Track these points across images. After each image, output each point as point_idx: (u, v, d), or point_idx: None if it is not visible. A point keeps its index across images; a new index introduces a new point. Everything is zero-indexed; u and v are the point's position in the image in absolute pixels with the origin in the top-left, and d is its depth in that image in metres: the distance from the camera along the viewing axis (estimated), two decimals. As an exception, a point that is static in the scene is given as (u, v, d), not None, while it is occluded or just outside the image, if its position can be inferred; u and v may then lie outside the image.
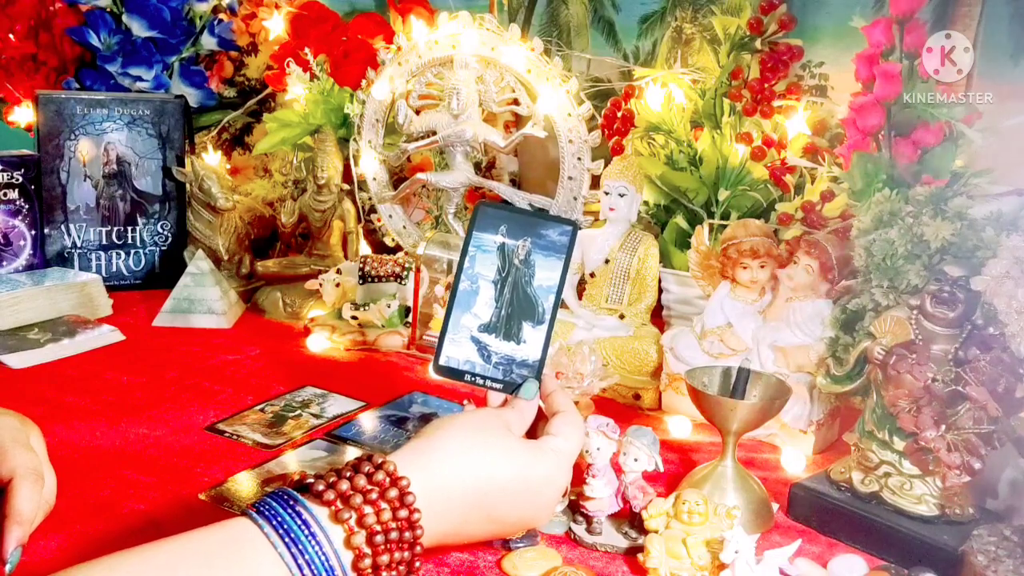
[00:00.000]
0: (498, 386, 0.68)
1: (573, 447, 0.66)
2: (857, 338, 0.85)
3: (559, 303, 0.68)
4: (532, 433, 0.68)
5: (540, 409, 0.69)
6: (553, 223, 0.69)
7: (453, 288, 0.70)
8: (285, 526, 0.52)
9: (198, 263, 1.34)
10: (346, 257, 1.47)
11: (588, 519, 0.76)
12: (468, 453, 0.61)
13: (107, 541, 0.72)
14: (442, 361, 0.69)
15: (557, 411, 0.68)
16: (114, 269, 1.50)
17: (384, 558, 0.54)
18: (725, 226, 1.08)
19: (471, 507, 0.61)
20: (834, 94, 1.26)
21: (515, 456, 0.63)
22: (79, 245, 1.48)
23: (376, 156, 1.34)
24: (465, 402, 0.72)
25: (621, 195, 1.14)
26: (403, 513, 0.55)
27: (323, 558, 0.52)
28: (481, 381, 0.68)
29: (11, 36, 1.65)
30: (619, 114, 1.30)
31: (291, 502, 0.54)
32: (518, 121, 1.47)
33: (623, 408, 1.08)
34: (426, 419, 1.00)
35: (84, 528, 0.74)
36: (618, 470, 0.76)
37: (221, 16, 1.74)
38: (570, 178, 1.17)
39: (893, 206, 0.83)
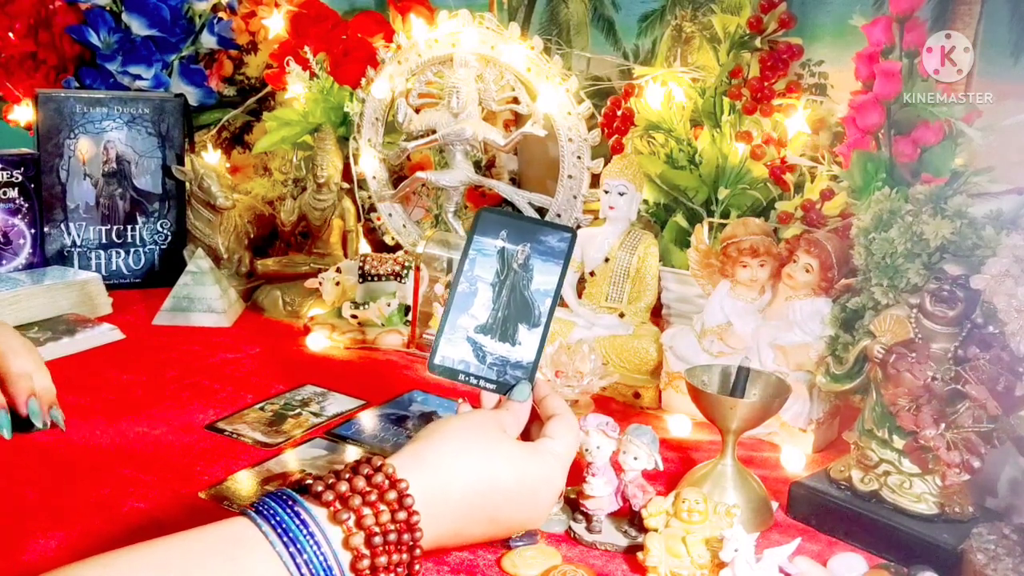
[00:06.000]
0: (491, 386, 0.68)
1: (569, 450, 0.67)
2: (857, 337, 0.85)
3: (555, 307, 0.69)
4: (525, 435, 0.69)
5: (534, 411, 0.69)
6: (553, 230, 0.71)
7: (451, 290, 0.70)
8: (283, 525, 0.52)
9: (198, 262, 1.34)
10: (346, 256, 1.47)
11: (588, 517, 0.76)
12: (466, 456, 0.61)
13: (107, 540, 0.72)
14: (437, 360, 0.69)
15: (552, 414, 0.68)
16: (114, 268, 1.50)
17: (382, 559, 0.54)
18: (725, 225, 1.07)
19: (469, 509, 0.61)
20: (834, 92, 1.25)
21: (512, 459, 0.63)
22: (79, 244, 1.48)
23: (376, 155, 1.34)
24: (460, 401, 0.72)
25: (621, 193, 1.13)
26: (402, 515, 0.55)
27: (321, 558, 0.52)
28: (475, 381, 0.68)
29: (11, 35, 1.65)
30: (619, 113, 1.30)
31: (289, 502, 0.54)
32: (518, 120, 1.47)
33: (623, 406, 1.08)
34: (426, 417, 1.00)
35: (84, 527, 0.74)
36: (618, 468, 0.76)
37: (221, 15, 1.74)
38: (570, 176, 1.17)
39: (893, 205, 0.83)
